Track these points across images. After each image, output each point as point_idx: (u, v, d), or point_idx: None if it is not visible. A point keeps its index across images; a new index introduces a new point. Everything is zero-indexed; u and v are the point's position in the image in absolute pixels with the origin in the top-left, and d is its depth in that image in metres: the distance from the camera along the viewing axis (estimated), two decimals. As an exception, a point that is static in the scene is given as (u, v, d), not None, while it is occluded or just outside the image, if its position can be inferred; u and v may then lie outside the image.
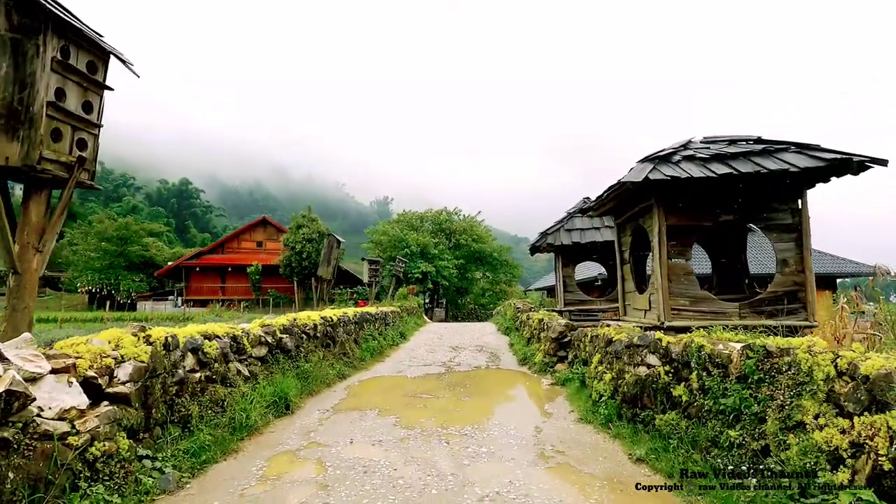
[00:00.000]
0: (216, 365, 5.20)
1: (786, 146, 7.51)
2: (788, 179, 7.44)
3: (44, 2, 3.31)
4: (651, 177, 7.13)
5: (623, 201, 8.65)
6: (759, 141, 7.82)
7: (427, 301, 35.34)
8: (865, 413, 2.75)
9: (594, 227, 13.92)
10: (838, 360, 3.04)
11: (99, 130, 3.89)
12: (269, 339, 6.77)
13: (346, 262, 39.38)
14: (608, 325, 7.13)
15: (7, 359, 2.82)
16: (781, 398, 3.29)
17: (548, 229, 14.19)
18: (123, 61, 3.95)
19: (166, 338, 4.35)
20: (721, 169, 7.19)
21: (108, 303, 33.85)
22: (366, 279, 20.73)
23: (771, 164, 7.07)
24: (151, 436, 3.93)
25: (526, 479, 3.95)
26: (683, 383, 4.46)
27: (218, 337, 5.55)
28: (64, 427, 2.94)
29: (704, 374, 4.17)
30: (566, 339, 8.76)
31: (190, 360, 4.82)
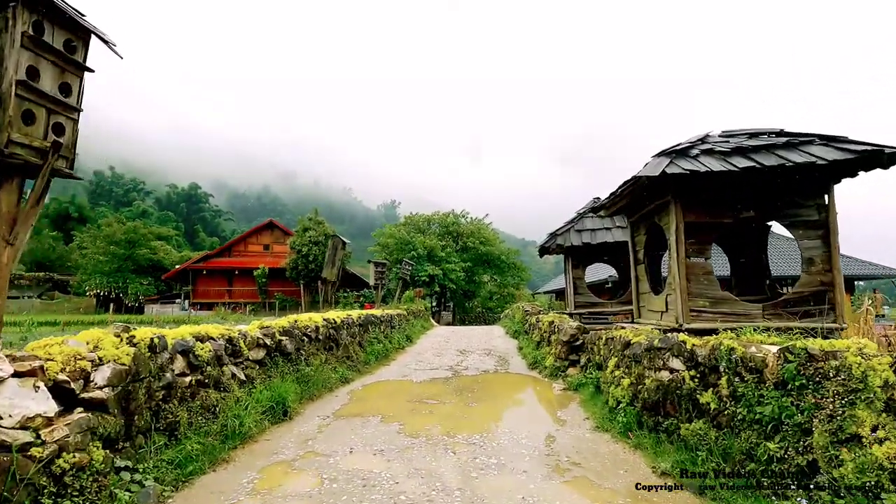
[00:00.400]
0: (209, 368, 4.89)
1: (810, 138, 7.13)
2: (814, 173, 7.04)
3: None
4: (668, 171, 6.76)
5: (637, 198, 8.27)
6: (781, 133, 7.44)
7: (434, 304, 35.00)
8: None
9: (605, 227, 13.55)
10: (899, 365, 2.68)
11: (79, 115, 3.61)
12: (268, 341, 6.47)
13: (353, 265, 39.15)
14: (623, 328, 6.75)
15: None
16: (831, 407, 2.92)
17: (557, 230, 13.83)
18: (106, 42, 3.69)
19: (152, 339, 4.05)
20: (743, 162, 6.80)
21: (113, 306, 33.84)
22: (372, 282, 20.42)
23: (797, 157, 6.68)
24: (133, 445, 3.62)
25: (540, 494, 3.60)
26: (711, 389, 4.09)
27: (212, 339, 5.25)
28: (26, 437, 2.64)
29: (736, 379, 3.79)
30: (578, 343, 8.38)
31: (180, 363, 4.52)
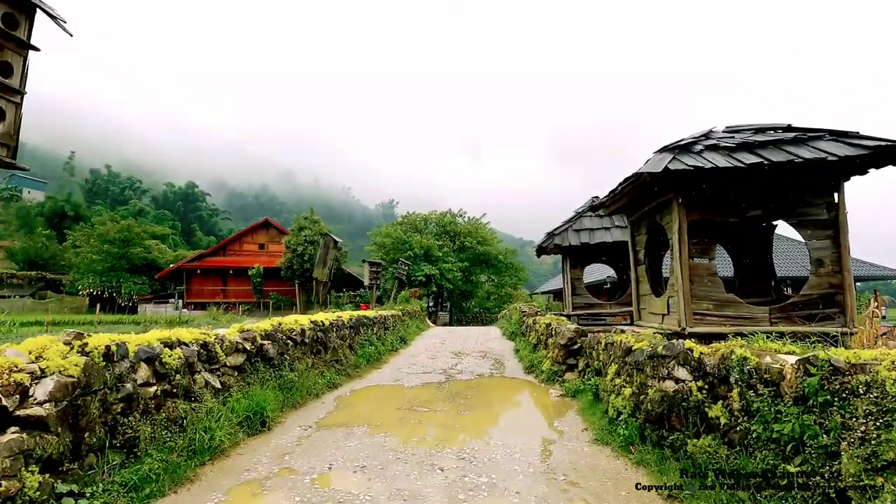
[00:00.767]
0: (178, 377, 4.53)
1: (820, 134, 6.78)
2: (824, 170, 6.70)
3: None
4: (671, 167, 6.42)
5: (638, 196, 7.93)
6: (789, 128, 7.08)
7: (431, 304, 34.62)
8: None
9: (604, 227, 13.23)
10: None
11: (22, 98, 3.26)
12: (248, 345, 6.11)
13: (350, 265, 38.67)
14: (623, 331, 6.40)
15: None
16: (863, 429, 2.57)
17: (555, 229, 13.50)
18: (54, 17, 3.32)
19: (108, 346, 3.68)
20: (749, 158, 6.46)
21: (104, 305, 33.36)
22: (366, 282, 20.06)
23: (806, 153, 6.34)
24: (82, 466, 3.26)
25: (533, 521, 3.25)
26: (721, 402, 3.74)
27: (184, 344, 4.89)
28: (-64, 465, 2.28)
29: (750, 392, 3.45)
30: (576, 346, 8.03)
31: (144, 372, 4.15)
